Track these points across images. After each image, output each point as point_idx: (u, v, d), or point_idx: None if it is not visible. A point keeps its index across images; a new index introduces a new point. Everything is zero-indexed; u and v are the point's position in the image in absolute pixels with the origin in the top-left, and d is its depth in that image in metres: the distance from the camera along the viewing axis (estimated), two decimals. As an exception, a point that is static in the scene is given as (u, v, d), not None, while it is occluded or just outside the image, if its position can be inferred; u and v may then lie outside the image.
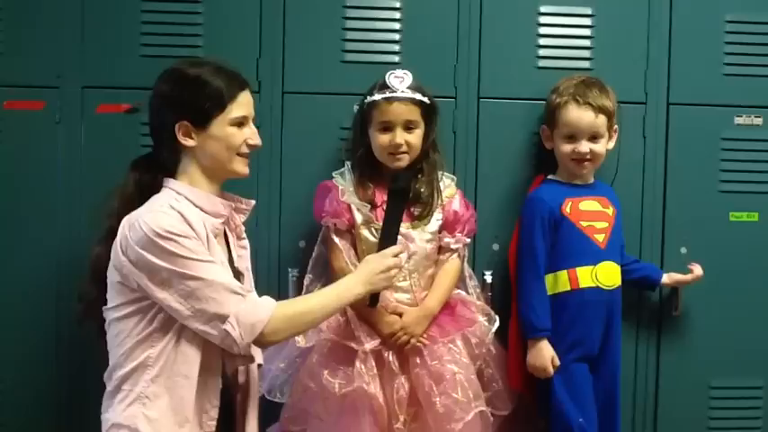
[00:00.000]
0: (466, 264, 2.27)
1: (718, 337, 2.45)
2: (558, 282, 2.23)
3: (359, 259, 2.13)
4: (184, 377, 1.70)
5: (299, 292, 2.21)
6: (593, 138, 2.23)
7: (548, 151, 2.33)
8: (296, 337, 2.00)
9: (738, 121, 2.45)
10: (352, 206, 2.15)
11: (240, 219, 1.90)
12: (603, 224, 2.26)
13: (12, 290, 2.32)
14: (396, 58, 2.35)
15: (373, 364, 2.05)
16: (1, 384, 2.32)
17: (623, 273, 2.29)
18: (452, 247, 2.20)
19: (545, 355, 2.19)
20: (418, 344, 2.09)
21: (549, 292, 2.23)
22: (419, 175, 2.17)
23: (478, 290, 2.28)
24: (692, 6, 2.42)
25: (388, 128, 2.12)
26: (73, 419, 2.30)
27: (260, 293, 1.80)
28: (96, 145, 2.31)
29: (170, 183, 1.79)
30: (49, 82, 2.30)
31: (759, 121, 2.45)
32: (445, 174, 2.23)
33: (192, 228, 1.69)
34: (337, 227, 2.15)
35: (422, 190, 2.16)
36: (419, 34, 2.36)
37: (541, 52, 2.39)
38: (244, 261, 1.93)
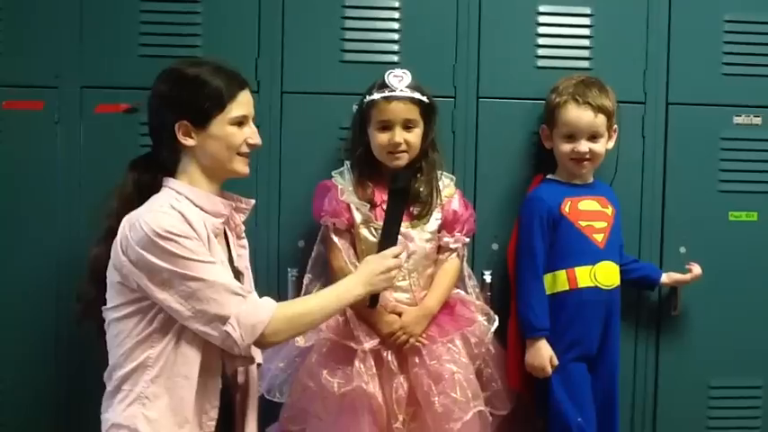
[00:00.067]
0: (465, 263, 2.27)
1: (718, 336, 2.45)
2: (557, 281, 2.23)
3: (358, 259, 2.14)
4: (184, 378, 1.70)
5: (298, 292, 2.21)
6: (593, 137, 2.23)
7: (547, 151, 2.33)
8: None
9: (737, 120, 2.45)
10: (352, 205, 2.15)
11: (240, 218, 1.90)
12: (602, 224, 2.26)
13: (11, 290, 2.32)
14: (395, 58, 2.35)
15: (372, 363, 2.05)
16: (0, 384, 2.32)
17: (622, 272, 2.29)
18: (451, 246, 2.20)
19: (543, 354, 2.19)
20: (417, 343, 2.09)
21: (548, 292, 2.23)
22: (418, 175, 2.17)
23: (477, 289, 2.28)
24: (691, 6, 2.42)
25: (387, 127, 2.12)
26: (72, 419, 2.30)
27: (259, 293, 1.80)
28: (95, 145, 2.31)
29: (170, 182, 1.78)
30: (47, 82, 2.30)
31: (758, 120, 2.45)
32: (444, 173, 2.23)
33: (192, 228, 1.68)
34: (336, 226, 2.15)
35: (421, 189, 2.16)
36: (418, 34, 2.36)
37: (540, 52, 2.39)
38: (243, 260, 1.93)
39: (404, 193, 2.00)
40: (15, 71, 2.30)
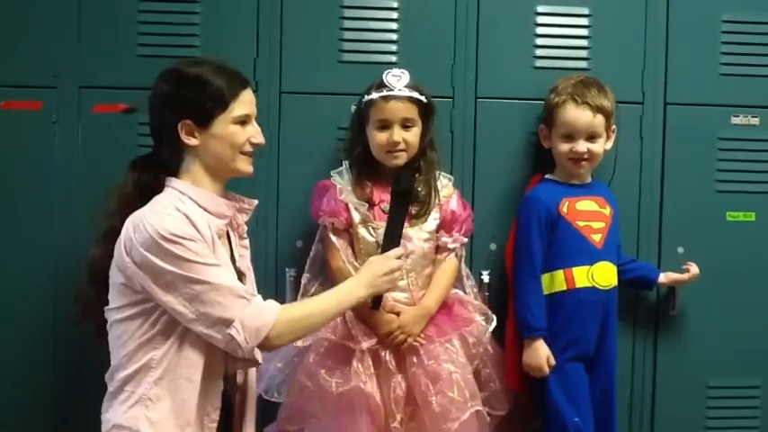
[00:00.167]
0: (463, 263, 2.27)
1: (716, 336, 2.45)
2: (555, 281, 2.23)
3: (356, 258, 2.14)
4: (187, 380, 1.70)
5: (296, 292, 2.21)
6: (591, 137, 2.23)
7: (545, 151, 2.33)
8: (295, 338, 2.00)
9: (735, 120, 2.45)
10: (350, 205, 2.15)
11: (243, 218, 1.90)
12: (600, 224, 2.26)
13: (9, 290, 2.31)
14: (393, 59, 2.35)
15: (370, 363, 2.05)
16: (-1, 384, 2.33)
17: (620, 272, 2.30)
18: (450, 246, 2.20)
19: (541, 354, 2.19)
20: (415, 343, 2.09)
21: (546, 292, 2.23)
22: (416, 174, 2.18)
23: (476, 289, 2.28)
24: (689, 6, 2.42)
25: (385, 126, 2.12)
26: (71, 420, 2.30)
27: (258, 293, 1.80)
28: (93, 145, 2.31)
29: (173, 182, 1.78)
30: (46, 82, 2.30)
31: (756, 120, 2.45)
32: (442, 173, 2.23)
33: (197, 230, 1.68)
34: (335, 226, 2.15)
35: (419, 189, 2.16)
36: (416, 34, 2.37)
37: (538, 52, 2.40)
38: (245, 261, 1.92)
39: (407, 195, 2.01)
40: (13, 71, 2.30)
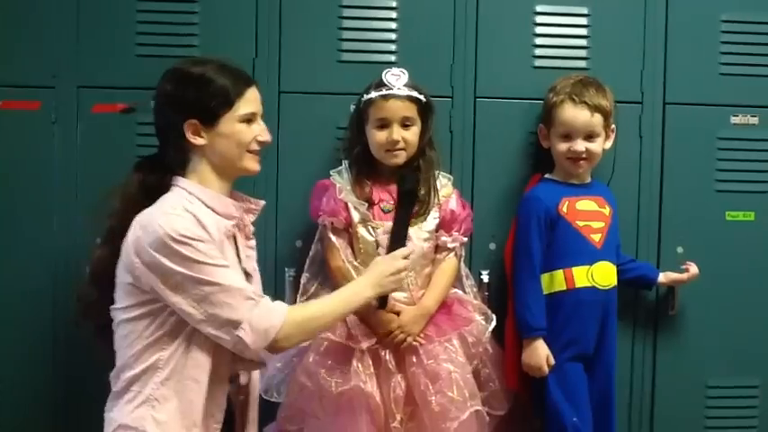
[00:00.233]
0: (462, 263, 2.27)
1: (715, 336, 2.46)
2: (554, 281, 2.23)
3: (356, 258, 2.14)
4: (194, 381, 1.69)
5: (295, 292, 2.21)
6: (589, 137, 2.23)
7: (545, 151, 2.33)
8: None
9: (734, 120, 2.45)
10: (350, 204, 2.15)
11: (249, 219, 1.89)
12: (600, 224, 2.26)
13: (8, 290, 2.32)
14: (392, 58, 2.35)
15: (370, 362, 2.05)
16: (-2, 384, 2.33)
17: (619, 272, 2.30)
18: (449, 246, 2.20)
19: (540, 354, 2.19)
20: (415, 343, 2.09)
21: (545, 292, 2.23)
22: (415, 173, 2.18)
23: (475, 289, 2.28)
24: (688, 6, 2.42)
25: (385, 125, 2.12)
26: (70, 420, 2.31)
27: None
28: (92, 145, 2.31)
29: (180, 182, 1.77)
30: (44, 82, 2.30)
31: (755, 120, 2.45)
32: (442, 173, 2.23)
33: (206, 231, 1.67)
34: (334, 225, 2.15)
35: (419, 188, 2.16)
36: (416, 34, 2.37)
37: (538, 52, 2.40)
38: (251, 261, 1.90)
39: (411, 194, 2.00)
40: (12, 71, 2.31)
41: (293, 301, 2.17)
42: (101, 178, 2.25)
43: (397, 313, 2.10)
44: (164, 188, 1.76)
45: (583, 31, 2.41)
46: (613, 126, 2.28)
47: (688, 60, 2.42)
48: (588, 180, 2.32)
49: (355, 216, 2.15)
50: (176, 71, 1.79)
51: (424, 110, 2.16)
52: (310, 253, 2.21)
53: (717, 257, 2.43)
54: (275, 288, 2.28)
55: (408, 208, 1.98)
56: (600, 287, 2.23)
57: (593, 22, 2.41)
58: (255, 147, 1.81)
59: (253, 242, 1.92)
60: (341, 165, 2.21)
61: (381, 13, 2.36)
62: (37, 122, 2.30)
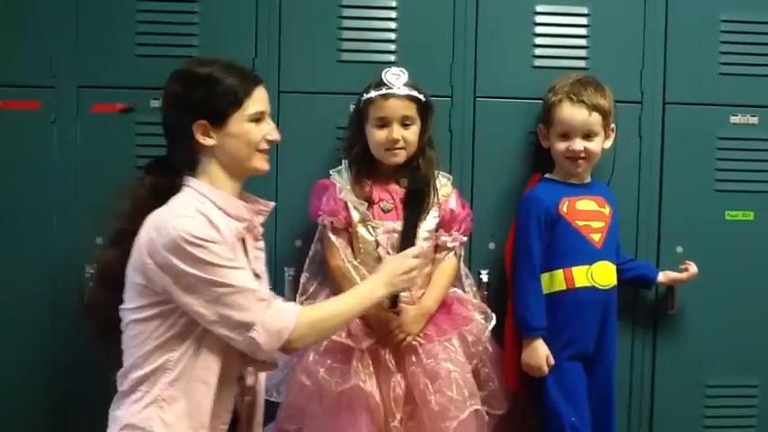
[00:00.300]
0: (462, 262, 2.27)
1: (714, 335, 2.46)
2: (554, 281, 2.23)
3: (355, 257, 2.14)
4: (203, 383, 1.69)
5: (294, 292, 2.21)
6: (588, 136, 2.23)
7: (544, 150, 2.33)
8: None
9: (734, 120, 2.45)
10: (349, 204, 2.15)
11: (258, 220, 1.88)
12: (600, 224, 2.26)
13: (6, 289, 2.31)
14: (392, 58, 2.35)
15: (370, 362, 2.05)
16: (-3, 385, 2.33)
17: (619, 271, 2.30)
18: (449, 245, 2.20)
19: (540, 354, 2.19)
20: (414, 342, 2.10)
21: (545, 292, 2.23)
22: (415, 173, 2.18)
23: (474, 288, 2.28)
24: (688, 6, 2.42)
25: (384, 124, 2.12)
26: (70, 420, 2.30)
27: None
28: (92, 144, 2.31)
29: (191, 182, 1.76)
30: (44, 82, 2.30)
31: (755, 120, 2.46)
32: (441, 173, 2.23)
33: (219, 232, 1.67)
34: (334, 225, 2.15)
35: (418, 187, 2.16)
36: (415, 34, 2.36)
37: (537, 51, 2.40)
38: (260, 263, 1.90)
39: (421, 194, 2.00)
40: (12, 71, 2.30)
41: (292, 301, 2.17)
42: (100, 178, 2.27)
43: (397, 313, 2.10)
44: (174, 189, 1.76)
45: (583, 31, 2.41)
46: (613, 126, 2.28)
47: (688, 60, 2.42)
48: (588, 180, 2.32)
49: (355, 215, 2.15)
50: (183, 72, 1.78)
51: (424, 109, 2.16)
52: (310, 252, 2.21)
53: (716, 257, 2.43)
54: (275, 288, 2.26)
55: (418, 207, 1.99)
56: (600, 287, 2.23)
57: (592, 22, 2.41)
58: (265, 146, 1.81)
59: (261, 243, 1.91)
60: (340, 164, 2.21)
61: (381, 12, 2.36)
62: (36, 122, 2.30)
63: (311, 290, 2.19)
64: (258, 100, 1.78)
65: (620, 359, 2.35)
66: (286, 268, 2.29)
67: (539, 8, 2.39)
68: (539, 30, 2.39)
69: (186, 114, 1.74)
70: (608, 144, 2.29)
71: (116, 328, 1.74)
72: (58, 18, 2.30)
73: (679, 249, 2.43)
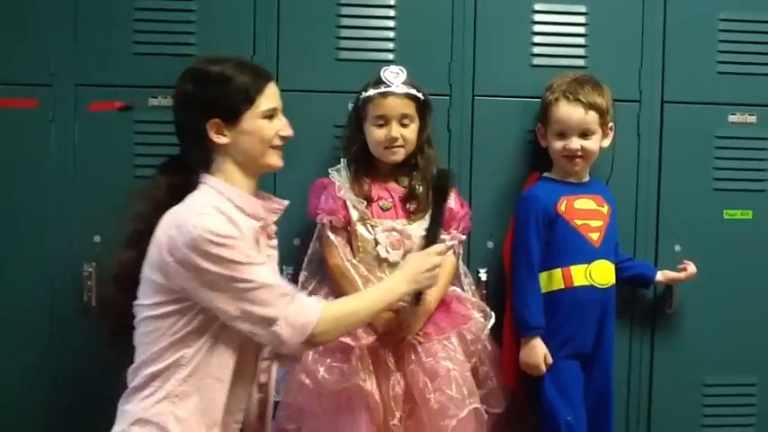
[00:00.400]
0: (461, 261, 2.27)
1: (713, 334, 2.46)
2: (553, 280, 2.23)
3: (354, 256, 2.14)
4: (217, 380, 1.69)
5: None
6: (584, 134, 2.23)
7: (543, 149, 2.33)
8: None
9: (732, 119, 2.45)
10: (348, 203, 2.14)
11: (272, 218, 1.88)
12: (598, 222, 2.26)
13: (4, 288, 2.31)
14: (390, 56, 2.34)
15: (369, 360, 2.05)
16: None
17: (617, 270, 2.30)
18: (448, 243, 2.19)
19: (538, 352, 2.19)
20: (414, 341, 2.09)
21: (543, 290, 2.23)
22: (414, 171, 2.17)
23: (473, 287, 2.28)
24: (686, 5, 2.42)
25: (383, 122, 2.12)
26: (70, 420, 2.30)
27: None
28: (89, 143, 2.30)
29: (208, 179, 1.76)
30: (42, 80, 2.29)
31: (753, 119, 2.46)
32: (440, 172, 2.23)
33: (239, 229, 1.67)
34: (333, 224, 2.15)
35: (417, 186, 2.15)
36: (414, 32, 2.36)
37: (536, 50, 2.39)
38: (273, 261, 1.90)
39: (445, 192, 2.00)
40: (9, 69, 2.29)
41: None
42: (98, 177, 2.27)
43: (396, 311, 2.10)
44: (191, 187, 1.76)
45: (581, 30, 2.41)
46: (611, 124, 2.28)
47: (686, 59, 2.43)
48: (586, 179, 2.32)
49: (354, 214, 2.14)
50: (195, 71, 1.78)
51: (423, 107, 2.16)
52: (308, 251, 2.21)
53: (714, 256, 2.44)
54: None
55: (443, 205, 1.98)
56: (598, 286, 2.23)
57: (591, 21, 2.41)
58: (278, 142, 1.82)
59: (274, 242, 1.91)
60: (339, 163, 2.21)
61: (380, 11, 2.36)
62: (34, 120, 2.29)
63: (310, 289, 2.18)
64: (270, 96, 1.79)
65: (619, 358, 2.35)
66: (284, 267, 2.28)
67: (537, 7, 2.39)
68: (537, 28, 2.39)
69: (199, 113, 1.74)
70: (606, 143, 2.29)
71: (130, 328, 1.74)
72: (55, 16, 2.29)
73: (677, 248, 2.43)
